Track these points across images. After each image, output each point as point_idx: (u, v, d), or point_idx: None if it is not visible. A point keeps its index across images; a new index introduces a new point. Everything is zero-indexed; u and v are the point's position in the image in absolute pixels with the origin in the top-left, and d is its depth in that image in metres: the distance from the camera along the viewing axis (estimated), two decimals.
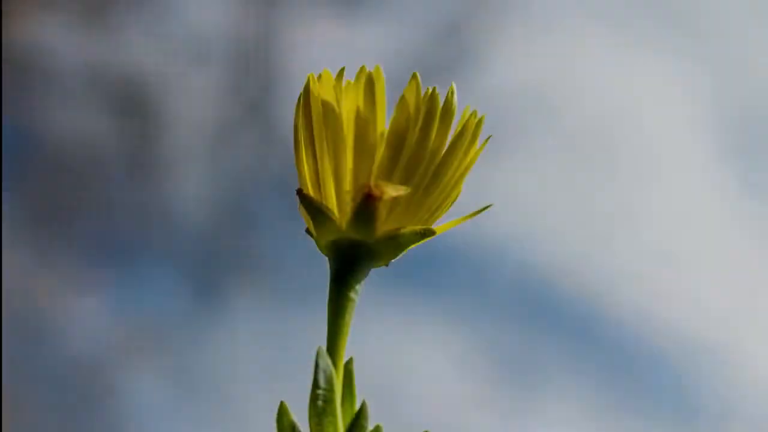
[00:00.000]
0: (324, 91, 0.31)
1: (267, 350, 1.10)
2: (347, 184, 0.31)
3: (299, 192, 0.31)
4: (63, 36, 1.18)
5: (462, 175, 0.32)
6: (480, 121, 0.32)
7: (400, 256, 0.32)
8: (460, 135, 0.31)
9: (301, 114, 0.32)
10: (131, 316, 1.14)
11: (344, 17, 1.18)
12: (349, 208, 0.31)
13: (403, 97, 0.31)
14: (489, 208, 0.33)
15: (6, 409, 1.05)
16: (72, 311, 1.13)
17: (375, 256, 0.31)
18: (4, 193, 1.10)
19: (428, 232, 0.31)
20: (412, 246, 0.32)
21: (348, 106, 0.31)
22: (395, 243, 0.31)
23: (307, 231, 0.32)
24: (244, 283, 1.14)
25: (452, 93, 0.31)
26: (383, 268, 0.32)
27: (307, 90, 0.31)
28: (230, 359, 1.11)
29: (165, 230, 1.16)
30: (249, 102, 1.11)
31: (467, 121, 0.32)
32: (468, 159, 0.32)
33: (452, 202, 0.33)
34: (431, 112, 0.31)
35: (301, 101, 0.32)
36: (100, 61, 1.17)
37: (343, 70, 0.32)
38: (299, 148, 0.32)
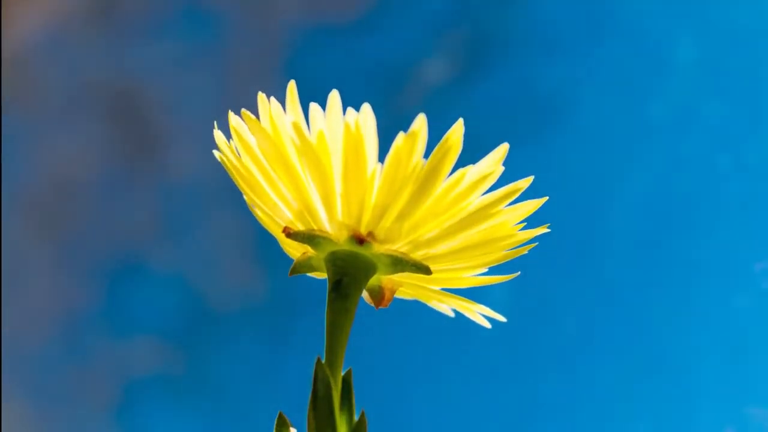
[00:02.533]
0: (290, 117, 0.30)
1: (266, 363, 1.09)
2: (339, 213, 0.30)
3: (287, 233, 0.31)
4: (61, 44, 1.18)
5: (490, 238, 0.30)
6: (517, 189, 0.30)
7: (395, 276, 0.32)
8: (501, 196, 0.30)
9: (250, 149, 0.30)
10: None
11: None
12: (344, 232, 0.30)
13: (412, 135, 0.29)
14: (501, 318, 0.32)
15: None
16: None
17: (372, 267, 0.31)
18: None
19: (422, 268, 0.30)
20: (408, 278, 0.32)
21: (328, 137, 0.29)
22: (391, 260, 0.31)
23: (292, 272, 0.32)
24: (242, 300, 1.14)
25: (503, 154, 0.30)
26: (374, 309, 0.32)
27: (256, 127, 0.30)
28: (229, 370, 1.10)
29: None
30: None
31: (515, 186, 0.30)
32: (495, 218, 0.30)
33: (482, 264, 0.31)
34: (447, 153, 0.29)
35: (244, 136, 0.30)
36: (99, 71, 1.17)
37: (293, 87, 0.30)
38: (259, 186, 0.31)
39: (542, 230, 0.31)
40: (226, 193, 1.10)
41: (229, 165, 0.31)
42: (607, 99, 1.11)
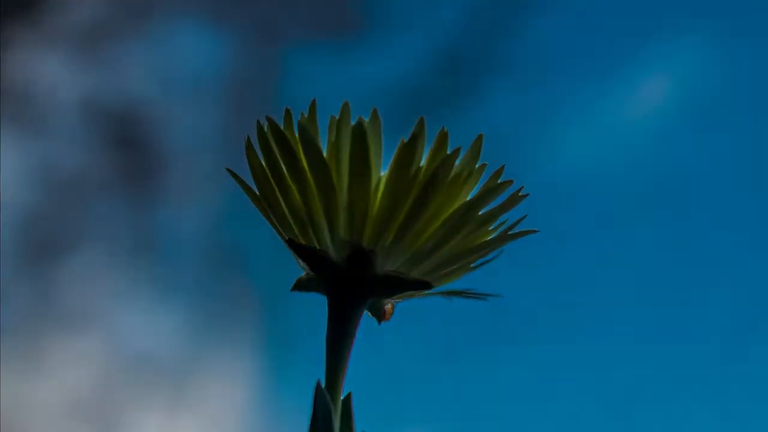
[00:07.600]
0: (301, 131, 0.30)
1: (265, 386, 1.09)
2: (342, 227, 0.30)
3: (291, 243, 0.30)
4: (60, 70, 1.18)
5: (479, 244, 0.30)
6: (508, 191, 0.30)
7: (397, 299, 0.31)
8: (480, 197, 0.30)
9: (267, 157, 0.30)
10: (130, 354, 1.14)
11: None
12: (345, 251, 0.30)
13: (410, 145, 0.29)
14: (494, 297, 0.32)
15: None
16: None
17: (372, 291, 0.31)
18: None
19: (424, 285, 0.30)
20: (410, 295, 0.32)
21: (337, 146, 0.30)
22: (392, 283, 0.30)
23: (296, 288, 0.32)
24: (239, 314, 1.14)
25: (480, 146, 0.30)
26: (375, 324, 0.32)
27: (275, 130, 0.30)
28: (228, 393, 1.10)
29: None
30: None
31: (494, 185, 0.30)
32: (479, 222, 0.30)
33: (475, 260, 0.31)
34: (442, 172, 0.29)
35: (264, 143, 0.30)
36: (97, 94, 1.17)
37: (314, 104, 0.30)
38: (272, 194, 0.30)
39: (527, 233, 0.31)
40: (224, 210, 1.10)
41: (257, 169, 0.31)
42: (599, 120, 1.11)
